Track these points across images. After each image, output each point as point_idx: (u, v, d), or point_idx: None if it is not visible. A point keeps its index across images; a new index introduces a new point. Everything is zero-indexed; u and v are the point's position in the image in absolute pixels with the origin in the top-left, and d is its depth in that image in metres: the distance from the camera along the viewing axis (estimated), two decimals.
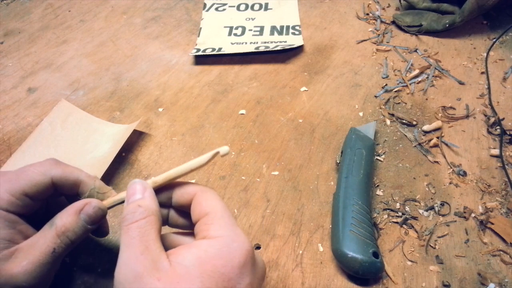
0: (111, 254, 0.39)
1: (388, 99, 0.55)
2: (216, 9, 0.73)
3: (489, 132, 0.51)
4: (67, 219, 0.28)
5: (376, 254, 0.36)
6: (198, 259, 0.24)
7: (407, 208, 0.43)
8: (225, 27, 0.69)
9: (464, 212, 0.42)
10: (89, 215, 0.29)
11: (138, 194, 0.28)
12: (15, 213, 0.29)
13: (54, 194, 0.31)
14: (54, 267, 0.29)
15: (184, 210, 0.30)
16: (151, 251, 0.24)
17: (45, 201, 0.32)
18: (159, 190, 0.30)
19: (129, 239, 0.25)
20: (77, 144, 0.48)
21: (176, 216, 0.31)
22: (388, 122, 0.52)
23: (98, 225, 0.30)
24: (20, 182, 0.29)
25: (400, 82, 0.58)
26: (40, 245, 0.28)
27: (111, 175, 0.46)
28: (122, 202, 0.30)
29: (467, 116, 0.53)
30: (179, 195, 0.30)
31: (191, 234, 0.30)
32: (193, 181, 0.45)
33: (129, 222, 0.26)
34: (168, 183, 0.30)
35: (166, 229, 0.31)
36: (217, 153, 0.29)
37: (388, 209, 0.43)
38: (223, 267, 0.24)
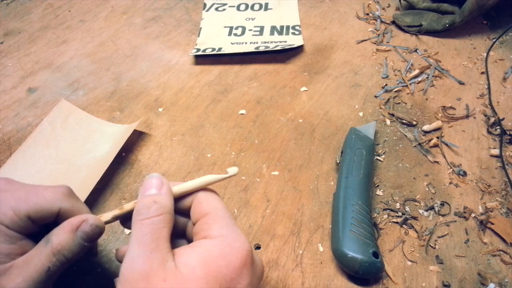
0: (111, 254, 0.39)
1: (388, 99, 0.55)
2: (216, 9, 0.73)
3: (489, 132, 0.51)
4: (63, 237, 0.27)
5: (376, 254, 0.36)
6: (202, 258, 0.24)
7: (407, 208, 0.43)
8: (225, 27, 0.69)
9: (464, 212, 0.42)
10: (86, 232, 0.28)
11: (155, 189, 0.27)
12: (14, 231, 0.28)
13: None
14: (49, 284, 0.28)
15: (186, 213, 0.30)
16: (160, 250, 0.24)
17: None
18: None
19: (142, 235, 0.25)
20: (77, 144, 0.48)
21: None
22: (388, 122, 0.52)
23: (95, 242, 0.29)
24: (27, 204, 0.28)
25: (400, 82, 0.58)
26: (35, 263, 0.27)
27: (111, 175, 0.46)
28: (119, 218, 0.29)
29: (467, 116, 0.53)
30: (180, 199, 0.30)
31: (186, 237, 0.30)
32: None
33: (143, 217, 0.26)
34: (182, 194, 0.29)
35: None
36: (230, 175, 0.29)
37: (388, 209, 0.43)
38: (226, 267, 0.24)
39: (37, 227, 0.29)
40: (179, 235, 0.30)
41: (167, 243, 0.25)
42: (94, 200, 0.43)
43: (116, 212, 0.29)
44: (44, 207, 0.28)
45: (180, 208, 0.30)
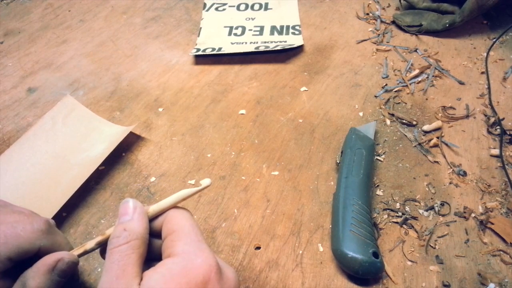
0: None
1: (388, 99, 0.55)
2: (216, 9, 0.73)
3: (489, 132, 0.51)
4: (40, 279, 0.27)
5: (376, 254, 0.36)
6: (163, 279, 0.24)
7: (407, 208, 0.43)
8: (225, 27, 0.69)
9: (464, 212, 0.42)
10: (63, 270, 0.28)
11: (128, 215, 0.28)
12: None
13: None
14: None
15: (159, 234, 0.30)
16: (126, 275, 0.25)
17: None
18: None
19: (109, 263, 0.25)
20: (74, 141, 0.48)
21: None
22: (388, 122, 0.52)
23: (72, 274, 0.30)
24: (8, 247, 0.28)
25: (400, 82, 0.58)
26: None
27: (111, 175, 0.46)
28: (94, 249, 0.29)
29: (467, 116, 0.53)
30: (154, 220, 0.30)
31: None
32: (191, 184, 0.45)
33: (112, 246, 0.26)
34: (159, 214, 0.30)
35: None
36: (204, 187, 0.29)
37: (388, 209, 0.43)
38: (186, 284, 0.24)
39: (14, 263, 0.29)
40: (159, 257, 0.30)
41: (136, 267, 0.25)
42: (94, 200, 0.43)
43: (99, 238, 0.29)
44: (25, 248, 0.28)
45: (156, 229, 0.29)
